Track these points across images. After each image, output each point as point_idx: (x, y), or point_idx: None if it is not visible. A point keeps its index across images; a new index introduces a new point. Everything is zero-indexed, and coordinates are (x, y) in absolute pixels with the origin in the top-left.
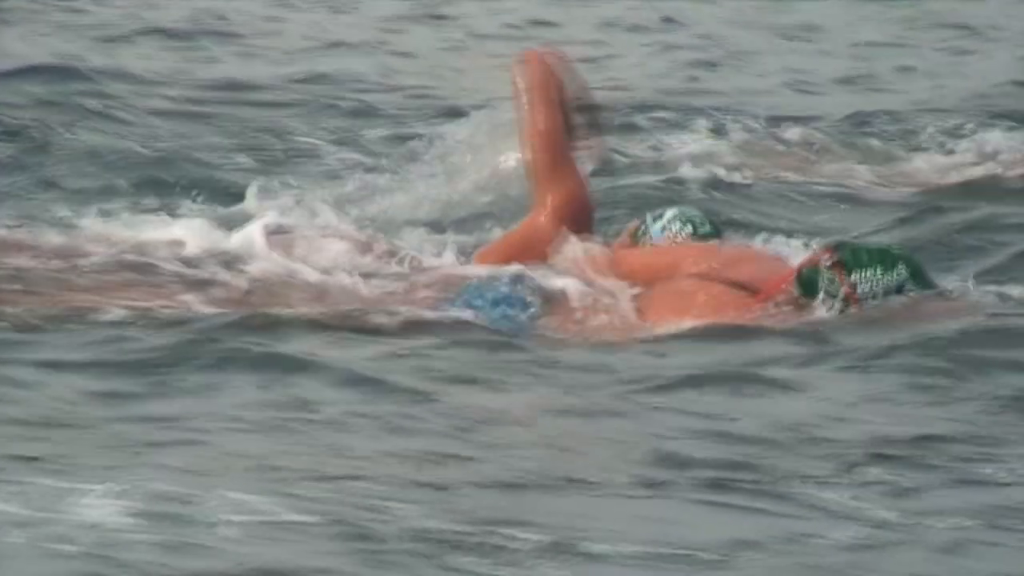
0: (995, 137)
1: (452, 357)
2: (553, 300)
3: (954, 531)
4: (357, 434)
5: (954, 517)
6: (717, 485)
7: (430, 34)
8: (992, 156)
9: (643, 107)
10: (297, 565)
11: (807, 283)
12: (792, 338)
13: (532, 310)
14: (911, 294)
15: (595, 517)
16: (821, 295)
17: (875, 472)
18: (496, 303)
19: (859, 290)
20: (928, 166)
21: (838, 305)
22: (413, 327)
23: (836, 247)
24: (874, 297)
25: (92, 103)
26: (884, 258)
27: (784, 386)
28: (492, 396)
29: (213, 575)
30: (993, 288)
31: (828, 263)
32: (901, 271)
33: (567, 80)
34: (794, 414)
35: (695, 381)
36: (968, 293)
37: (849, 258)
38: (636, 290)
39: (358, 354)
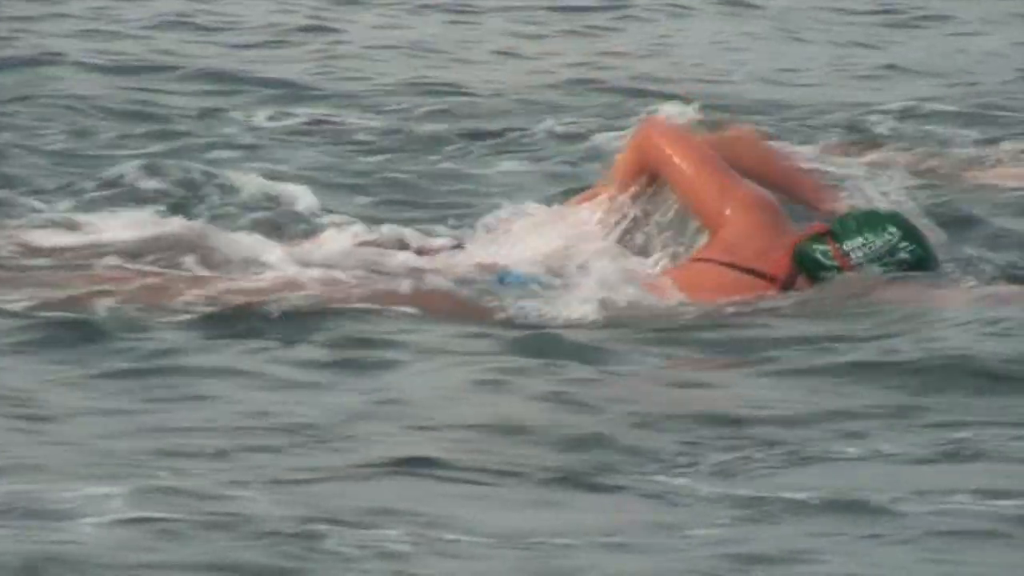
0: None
1: (331, 345)
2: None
3: (810, 509)
4: (219, 425)
5: (804, 492)
6: (574, 472)
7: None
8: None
9: None
10: (157, 560)
11: (804, 260)
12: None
13: (537, 282)
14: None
15: (454, 506)
16: (822, 271)
17: (732, 455)
18: (503, 279)
19: (853, 258)
20: None
21: (838, 277)
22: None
23: (827, 220)
24: (870, 262)
25: None
26: (872, 222)
27: (649, 373)
28: (364, 384)
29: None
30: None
31: (819, 236)
32: (892, 232)
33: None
34: (656, 400)
35: (568, 367)
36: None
37: (838, 228)
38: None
39: (236, 348)
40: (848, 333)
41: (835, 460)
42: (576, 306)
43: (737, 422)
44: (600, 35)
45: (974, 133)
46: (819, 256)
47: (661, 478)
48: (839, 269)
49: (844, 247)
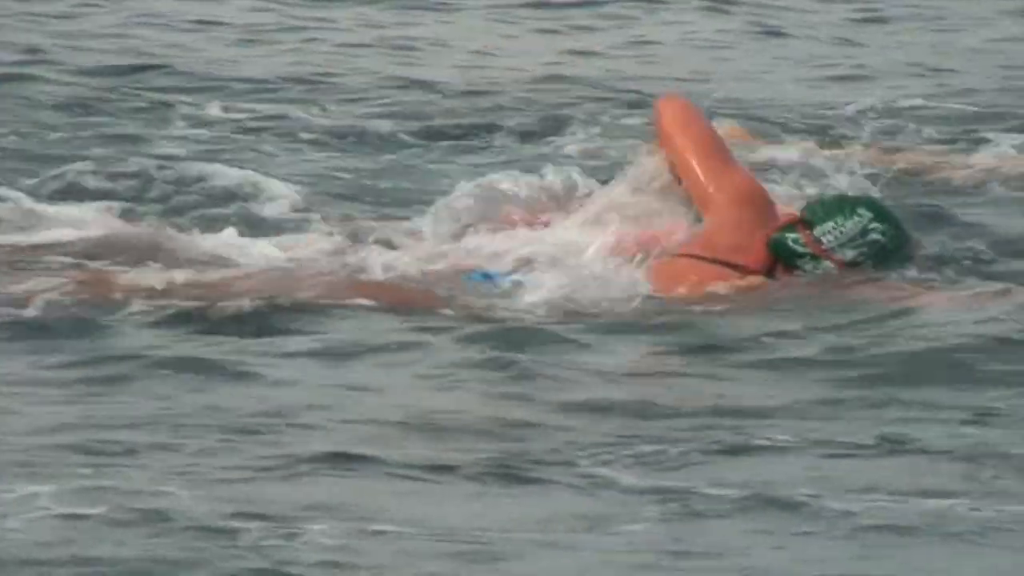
0: None
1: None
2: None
3: (740, 504)
4: (152, 421)
5: (735, 487)
6: (507, 465)
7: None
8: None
9: None
10: (84, 556)
11: (779, 251)
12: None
13: (510, 279)
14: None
15: (383, 500)
16: (797, 259)
17: (667, 448)
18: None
19: (825, 243)
20: None
21: (813, 264)
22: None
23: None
24: (843, 246)
25: None
26: (842, 206)
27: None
28: (303, 378)
29: None
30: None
31: (791, 225)
32: (861, 214)
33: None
34: (595, 393)
35: (511, 362)
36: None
37: (809, 215)
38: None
39: (174, 344)
40: (795, 330)
41: (768, 454)
42: (539, 301)
43: (675, 415)
44: (574, 33)
45: (949, 130)
46: (792, 245)
47: (594, 471)
48: (813, 256)
49: (815, 233)
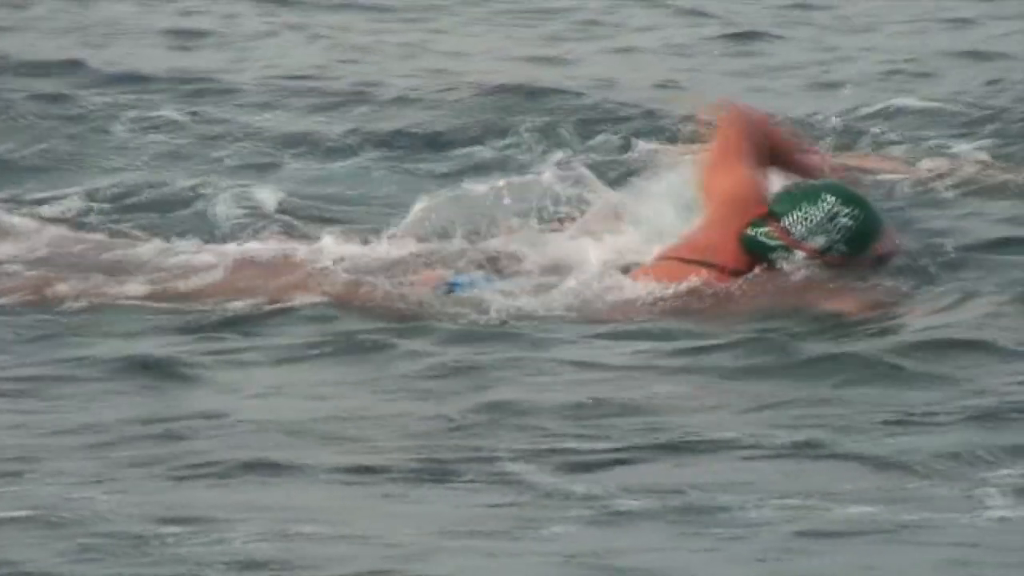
0: None
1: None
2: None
3: (662, 508)
4: (80, 427)
5: (658, 491)
6: (431, 468)
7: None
8: None
9: None
10: (4, 559)
11: (751, 246)
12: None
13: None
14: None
15: (305, 504)
16: (770, 252)
17: (593, 450)
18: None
19: (794, 232)
20: None
21: (785, 255)
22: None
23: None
24: (812, 233)
25: None
26: (808, 193)
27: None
28: (234, 383)
29: None
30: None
31: (761, 219)
32: (828, 200)
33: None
34: (529, 394)
35: (445, 364)
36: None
37: (776, 206)
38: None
39: (109, 352)
40: (734, 334)
41: (694, 457)
42: (506, 304)
43: (603, 417)
44: (551, 41)
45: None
46: (763, 239)
47: (519, 473)
48: (785, 247)
49: (784, 223)
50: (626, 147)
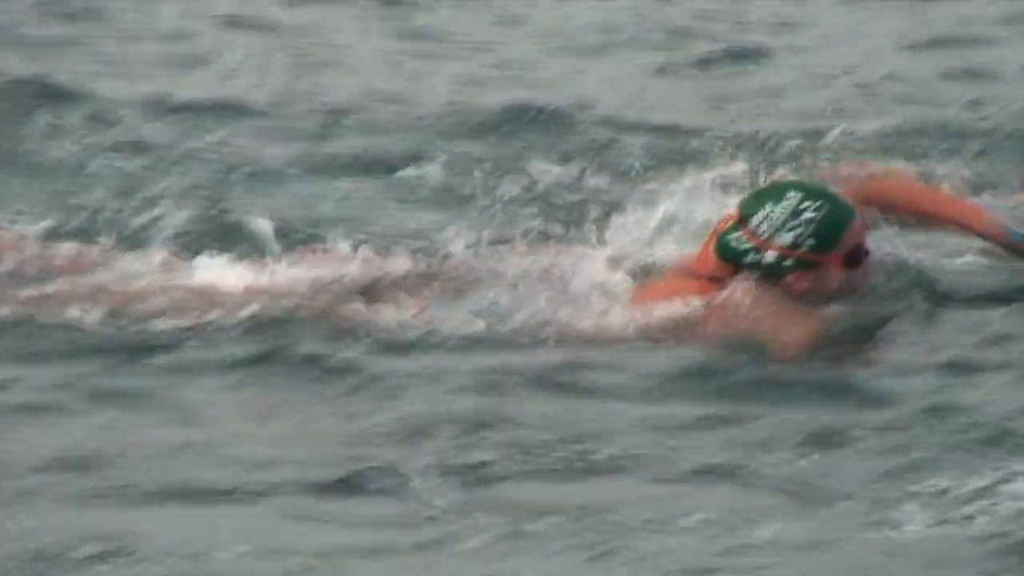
0: None
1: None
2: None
3: (563, 528)
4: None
5: (563, 510)
6: (343, 484)
7: None
8: None
9: None
10: None
11: (724, 253)
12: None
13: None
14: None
15: (216, 524)
16: (743, 256)
17: (503, 469)
18: None
19: (760, 232)
20: None
21: (757, 257)
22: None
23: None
24: (778, 231)
25: None
26: (772, 191)
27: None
28: (151, 407)
29: None
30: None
31: (733, 225)
32: (791, 195)
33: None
34: (439, 412)
35: (369, 382)
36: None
37: (743, 209)
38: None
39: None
40: (667, 354)
41: (605, 477)
42: (475, 322)
43: (519, 433)
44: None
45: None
46: (734, 244)
47: (429, 491)
48: (756, 249)
49: (751, 225)
50: (628, 171)
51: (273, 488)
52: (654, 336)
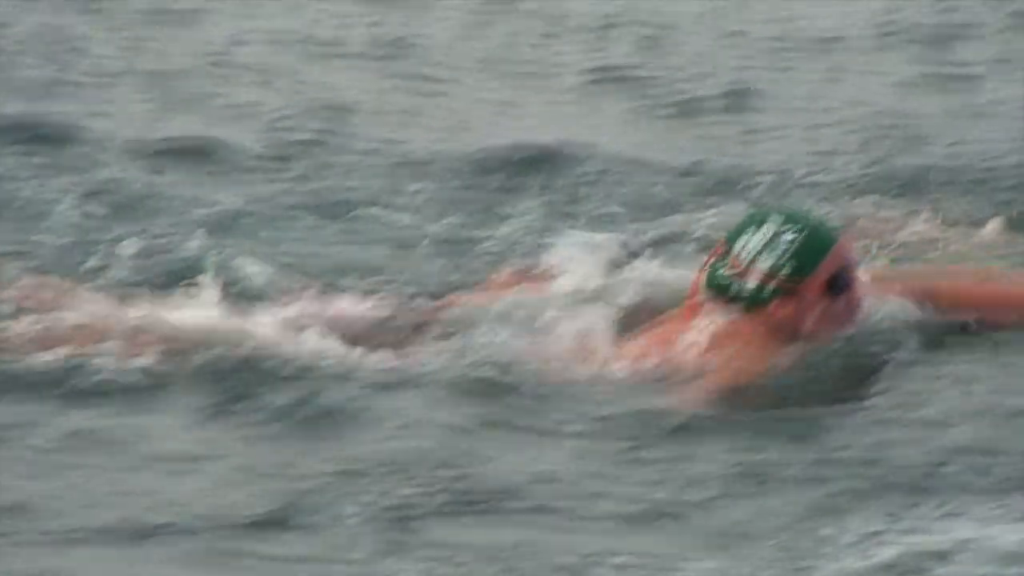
0: None
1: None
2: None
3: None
4: None
5: (485, 553)
6: (268, 522)
7: None
8: None
9: None
10: None
11: (712, 285)
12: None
13: None
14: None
15: (144, 564)
16: (726, 285)
17: (415, 508)
18: None
19: (741, 259)
20: None
21: (739, 287)
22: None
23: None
24: (758, 255)
25: None
26: (753, 217)
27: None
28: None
29: None
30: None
31: (720, 256)
32: (772, 220)
33: None
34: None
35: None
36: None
37: (727, 237)
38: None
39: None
40: (610, 396)
41: (529, 519)
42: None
43: (450, 476)
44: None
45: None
46: (719, 274)
47: (359, 528)
48: (738, 277)
49: (733, 252)
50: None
51: (206, 527)
52: (614, 375)
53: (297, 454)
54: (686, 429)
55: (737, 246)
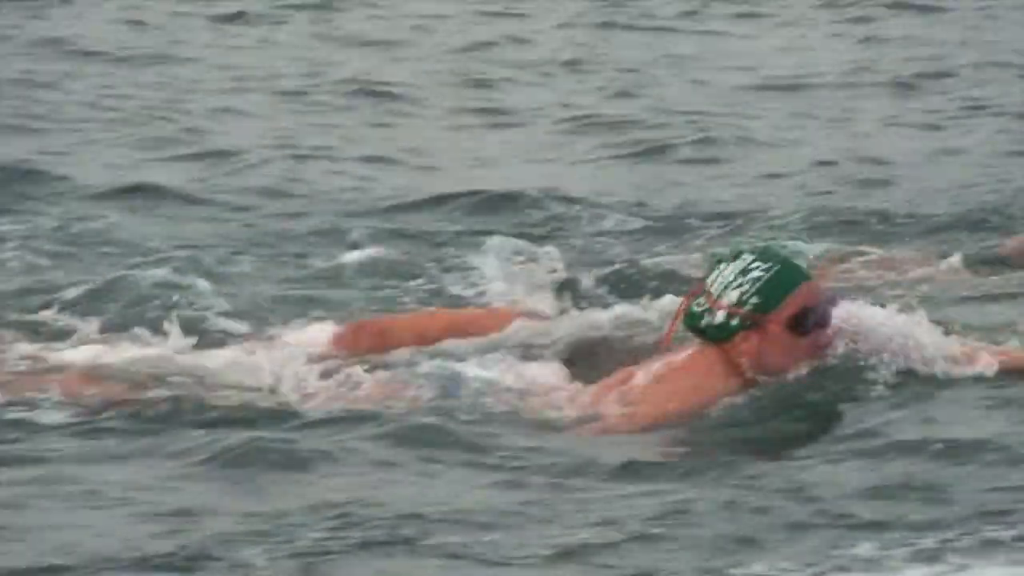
0: None
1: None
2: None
3: None
4: None
5: None
6: (163, 567)
7: None
8: None
9: None
10: None
11: (688, 320)
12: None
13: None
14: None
15: None
16: (698, 318)
17: (330, 547)
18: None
19: (713, 291)
20: None
21: (709, 319)
22: None
23: None
24: (726, 288)
25: None
26: (733, 253)
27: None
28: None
29: None
30: None
31: (693, 295)
32: (745, 258)
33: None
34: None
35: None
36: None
37: (705, 274)
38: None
39: None
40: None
41: (440, 559)
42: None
43: (370, 515)
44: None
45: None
46: (696, 309)
47: (249, 563)
48: (708, 310)
49: (707, 286)
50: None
51: (111, 567)
52: (559, 413)
53: (219, 494)
54: (615, 466)
55: (710, 280)
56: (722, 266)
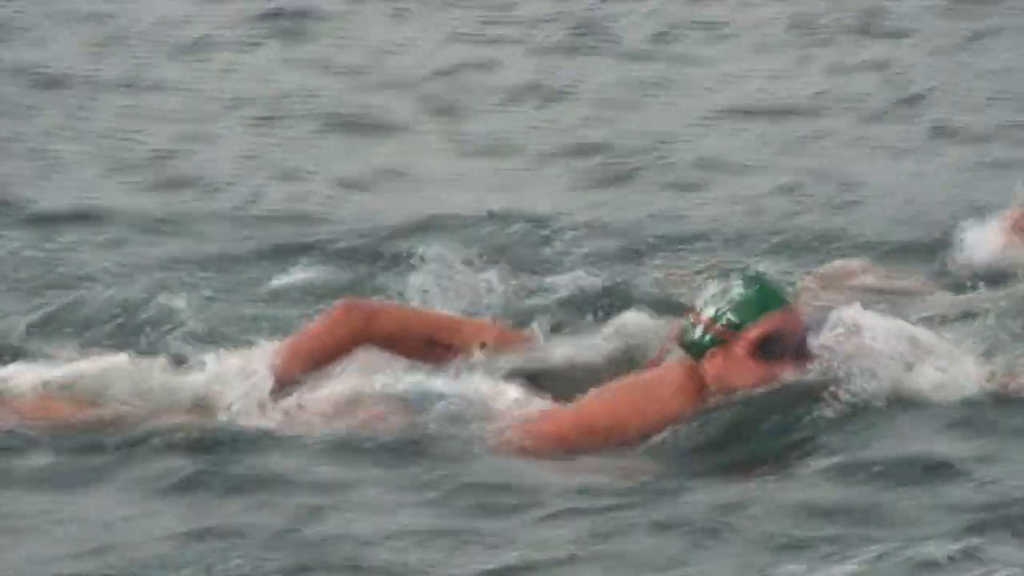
0: None
1: None
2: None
3: None
4: None
5: None
6: None
7: None
8: None
9: None
10: None
11: (683, 337)
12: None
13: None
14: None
15: None
16: (688, 334)
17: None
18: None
19: (705, 315)
20: None
21: (691, 334)
22: None
23: None
24: (707, 304)
25: None
26: (725, 275)
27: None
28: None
29: None
30: None
31: (691, 318)
32: (735, 281)
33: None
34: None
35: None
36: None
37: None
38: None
39: None
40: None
41: None
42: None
43: (298, 536)
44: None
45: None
46: (686, 323)
47: None
48: (692, 325)
49: (700, 310)
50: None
51: None
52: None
53: (161, 517)
54: (552, 486)
55: (701, 303)
56: (711, 286)
